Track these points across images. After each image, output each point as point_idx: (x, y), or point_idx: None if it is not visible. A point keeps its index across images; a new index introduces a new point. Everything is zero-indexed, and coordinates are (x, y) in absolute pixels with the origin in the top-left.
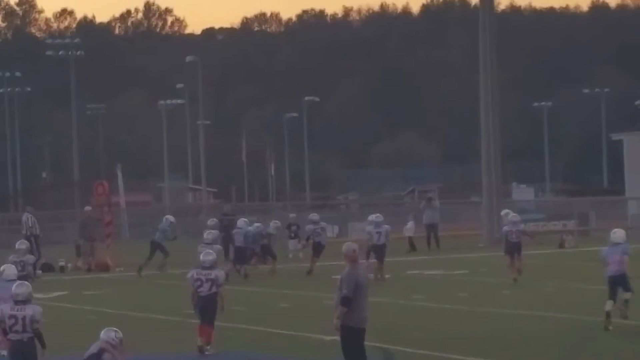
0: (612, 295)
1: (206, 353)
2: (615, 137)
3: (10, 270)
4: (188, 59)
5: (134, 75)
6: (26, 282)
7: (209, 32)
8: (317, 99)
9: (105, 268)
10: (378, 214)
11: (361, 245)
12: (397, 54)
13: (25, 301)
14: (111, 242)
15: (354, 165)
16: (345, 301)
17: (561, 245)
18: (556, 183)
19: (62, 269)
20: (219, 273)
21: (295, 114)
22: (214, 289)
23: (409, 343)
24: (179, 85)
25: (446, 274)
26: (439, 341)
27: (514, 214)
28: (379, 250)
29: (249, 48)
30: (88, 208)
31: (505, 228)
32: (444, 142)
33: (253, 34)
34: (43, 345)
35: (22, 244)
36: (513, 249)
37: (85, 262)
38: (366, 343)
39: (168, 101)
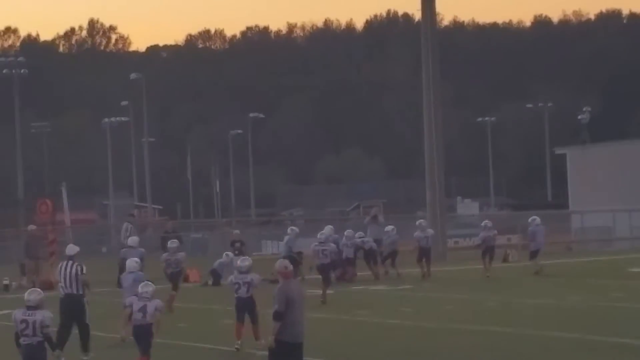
0: None
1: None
2: (558, 151)
3: None
4: (132, 76)
5: (78, 93)
6: (37, 289)
7: (153, 50)
8: (261, 116)
9: (49, 286)
10: (327, 228)
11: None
12: (341, 70)
13: (36, 307)
14: (55, 260)
15: (299, 182)
16: (276, 316)
17: (505, 260)
18: (500, 197)
19: (7, 288)
20: (254, 276)
21: (240, 131)
22: (251, 292)
23: (352, 359)
24: (124, 103)
25: (390, 289)
26: (382, 357)
27: (423, 220)
28: (323, 270)
29: (193, 65)
30: (32, 227)
31: (416, 234)
32: (388, 157)
33: (197, 51)
34: (53, 348)
35: None
36: (425, 253)
37: (29, 281)
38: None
39: (113, 119)
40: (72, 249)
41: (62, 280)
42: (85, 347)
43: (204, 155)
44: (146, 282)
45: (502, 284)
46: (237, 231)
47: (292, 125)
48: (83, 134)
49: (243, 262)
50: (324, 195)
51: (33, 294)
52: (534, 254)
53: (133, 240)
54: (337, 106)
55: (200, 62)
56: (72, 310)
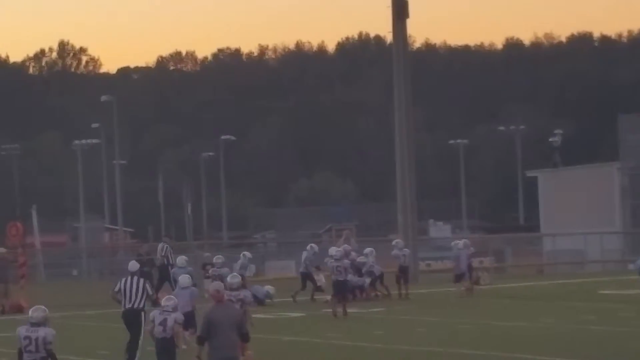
0: None
1: None
2: (530, 174)
3: None
4: (103, 98)
5: (49, 115)
6: (42, 307)
7: (124, 71)
8: (233, 138)
9: (19, 309)
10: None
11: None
12: (313, 92)
13: (39, 324)
14: (25, 283)
15: (271, 204)
16: (198, 340)
17: (477, 282)
18: (473, 220)
19: None
20: (246, 293)
21: (211, 153)
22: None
23: None
24: (95, 125)
25: (362, 312)
26: None
27: (400, 240)
28: (338, 286)
29: (164, 87)
30: (2, 250)
31: (395, 252)
32: (361, 180)
33: (169, 73)
34: None
35: None
36: (403, 272)
37: None
38: None
39: (83, 141)
40: (134, 265)
41: (126, 294)
42: (132, 357)
43: (176, 177)
44: (169, 296)
45: (475, 307)
46: (208, 254)
47: (264, 148)
48: (54, 156)
49: (233, 279)
50: (296, 218)
51: (37, 312)
52: (458, 278)
53: (181, 260)
54: (309, 128)
55: (172, 83)
56: (132, 323)
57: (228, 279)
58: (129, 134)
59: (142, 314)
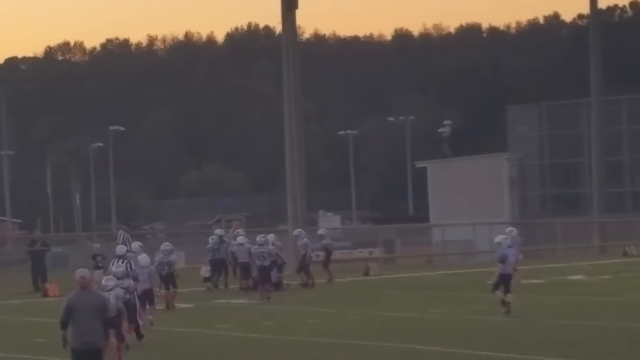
0: None
1: None
2: (419, 164)
3: None
4: None
5: None
6: None
7: (12, 62)
8: (122, 129)
9: None
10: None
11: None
12: (203, 83)
13: None
14: None
15: (161, 196)
16: (60, 324)
17: (366, 273)
18: (363, 211)
19: None
20: (130, 282)
21: (101, 144)
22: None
23: None
24: None
25: (252, 303)
26: None
27: (302, 230)
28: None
29: (53, 77)
30: None
31: (299, 243)
32: (251, 171)
33: (57, 63)
34: None
35: None
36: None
37: None
38: None
39: None
40: (121, 249)
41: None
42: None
43: (65, 168)
44: (108, 276)
45: (365, 298)
46: (97, 245)
47: (154, 139)
48: None
49: (117, 268)
50: (185, 209)
51: None
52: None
53: (135, 246)
54: (199, 119)
55: (60, 74)
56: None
57: (112, 268)
58: (17, 125)
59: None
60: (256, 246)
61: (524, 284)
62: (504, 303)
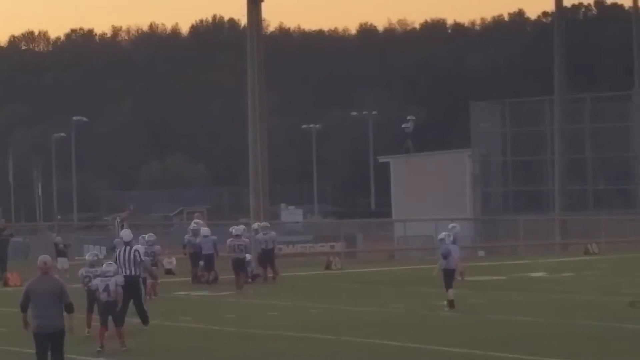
0: None
1: None
2: (382, 159)
3: None
4: None
5: None
6: None
7: None
8: (85, 119)
9: None
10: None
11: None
12: (166, 74)
13: None
14: None
15: (123, 186)
16: (20, 307)
17: (328, 267)
18: (325, 205)
19: None
20: (119, 278)
21: (63, 134)
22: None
23: None
24: None
25: (214, 295)
26: None
27: (267, 223)
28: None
29: (16, 67)
30: None
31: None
32: (213, 164)
33: (21, 53)
34: None
35: None
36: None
37: None
38: None
39: None
40: (128, 235)
41: (121, 263)
42: (144, 320)
43: (27, 158)
44: (109, 262)
45: (326, 292)
46: (58, 237)
47: (116, 130)
48: None
49: (108, 266)
50: (147, 201)
51: None
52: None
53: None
54: (162, 111)
55: (24, 64)
56: (130, 291)
57: (104, 266)
58: None
59: (139, 280)
60: (231, 239)
61: (485, 280)
62: (451, 302)
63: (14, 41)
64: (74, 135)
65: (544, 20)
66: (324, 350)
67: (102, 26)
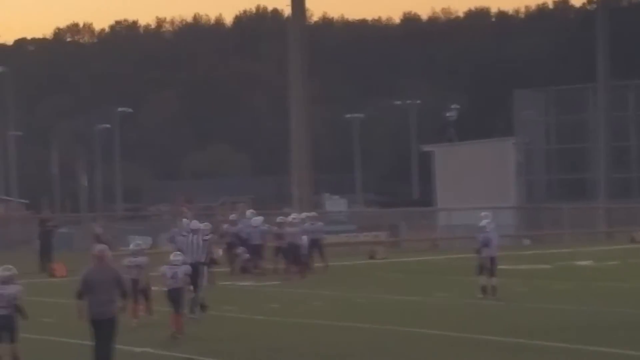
0: None
1: None
2: (425, 148)
3: None
4: None
5: None
6: (10, 266)
7: (21, 43)
8: (129, 110)
9: None
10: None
11: None
12: (209, 65)
13: (7, 282)
14: None
15: (166, 177)
16: (76, 295)
17: (372, 257)
18: (368, 194)
19: None
20: (143, 259)
21: (107, 125)
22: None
23: (220, 354)
24: None
25: (258, 285)
26: (250, 352)
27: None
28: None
29: (61, 59)
30: None
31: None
32: (256, 153)
33: (66, 45)
34: (24, 317)
35: None
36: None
37: None
38: (178, 355)
39: None
40: (196, 224)
41: (189, 249)
42: (194, 306)
43: (71, 149)
44: (177, 252)
45: (370, 281)
46: (100, 228)
47: (159, 120)
48: None
49: (176, 255)
50: (190, 191)
51: (5, 271)
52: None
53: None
54: (205, 102)
55: (69, 56)
56: (194, 276)
57: (171, 256)
58: (25, 106)
59: (204, 267)
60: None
61: (530, 269)
62: (485, 289)
63: (59, 33)
64: (119, 126)
65: (588, 7)
66: (367, 339)
67: (146, 18)
